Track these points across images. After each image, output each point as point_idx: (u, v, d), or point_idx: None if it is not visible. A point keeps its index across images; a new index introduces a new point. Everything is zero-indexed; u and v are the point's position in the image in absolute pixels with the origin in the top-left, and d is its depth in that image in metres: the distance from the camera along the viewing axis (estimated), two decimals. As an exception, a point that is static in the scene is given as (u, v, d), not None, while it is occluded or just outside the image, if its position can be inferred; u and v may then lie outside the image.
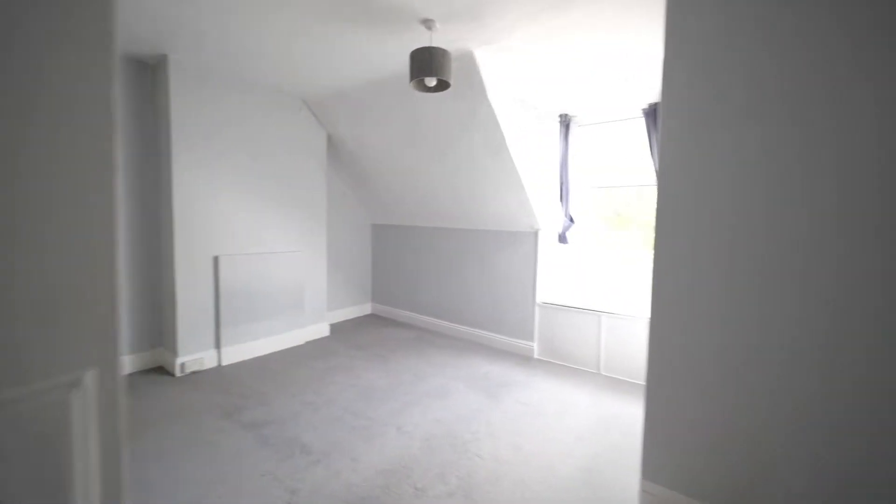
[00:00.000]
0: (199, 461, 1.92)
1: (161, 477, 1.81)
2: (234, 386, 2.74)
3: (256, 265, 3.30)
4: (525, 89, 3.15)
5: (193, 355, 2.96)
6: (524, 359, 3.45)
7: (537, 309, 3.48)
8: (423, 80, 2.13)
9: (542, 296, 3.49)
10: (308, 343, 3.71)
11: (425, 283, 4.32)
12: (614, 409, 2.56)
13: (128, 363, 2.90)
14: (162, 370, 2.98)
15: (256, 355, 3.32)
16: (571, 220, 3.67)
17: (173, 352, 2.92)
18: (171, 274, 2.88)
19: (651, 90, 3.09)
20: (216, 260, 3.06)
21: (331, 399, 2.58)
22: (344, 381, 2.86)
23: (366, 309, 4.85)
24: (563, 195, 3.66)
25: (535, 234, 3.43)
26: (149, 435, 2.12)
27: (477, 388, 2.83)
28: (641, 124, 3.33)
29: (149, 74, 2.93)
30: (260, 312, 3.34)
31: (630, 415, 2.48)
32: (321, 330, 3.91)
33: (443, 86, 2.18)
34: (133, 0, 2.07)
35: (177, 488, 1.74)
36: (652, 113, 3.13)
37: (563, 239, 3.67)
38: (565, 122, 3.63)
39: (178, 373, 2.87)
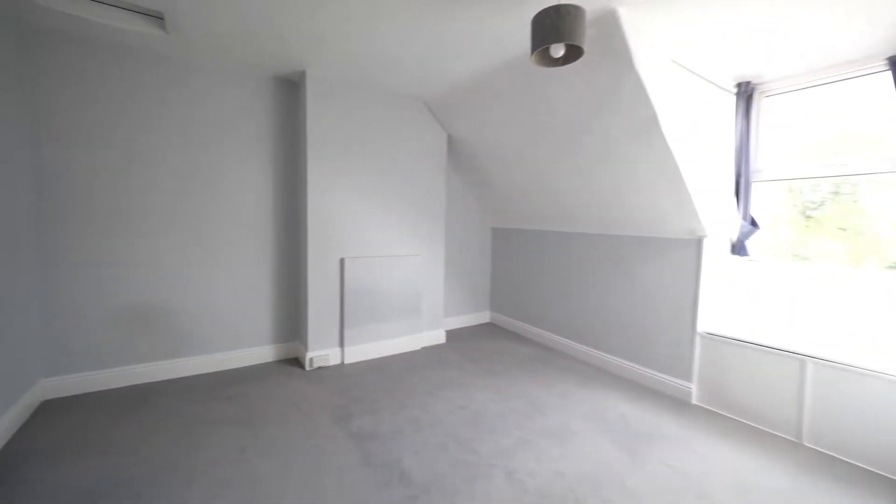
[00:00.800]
0: (305, 467, 1.92)
1: (270, 474, 1.85)
2: (350, 387, 2.79)
3: (378, 268, 3.36)
4: (686, 53, 2.41)
5: (321, 351, 3.14)
6: (676, 403, 2.68)
7: (698, 340, 2.67)
8: (547, 52, 1.72)
9: (705, 324, 2.66)
10: (424, 349, 3.64)
11: (549, 294, 3.83)
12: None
13: (271, 352, 3.24)
14: (296, 362, 3.25)
15: (375, 356, 3.37)
16: (753, 223, 2.72)
17: (305, 346, 3.14)
18: (305, 274, 3.11)
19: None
20: (342, 262, 3.20)
21: (437, 419, 2.37)
22: (453, 400, 2.63)
23: (483, 317, 4.61)
24: (742, 190, 2.74)
25: (698, 241, 2.64)
26: (270, 425, 2.24)
27: (610, 434, 2.26)
28: (880, 81, 2.24)
29: (294, 92, 3.24)
30: (380, 315, 3.39)
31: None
32: (437, 336, 3.81)
33: (572, 56, 1.73)
34: (274, 21, 2.23)
35: (284, 490, 1.74)
36: (912, 61, 2.05)
37: (740, 249, 2.75)
38: (746, 92, 2.71)
39: (307, 367, 3.08)
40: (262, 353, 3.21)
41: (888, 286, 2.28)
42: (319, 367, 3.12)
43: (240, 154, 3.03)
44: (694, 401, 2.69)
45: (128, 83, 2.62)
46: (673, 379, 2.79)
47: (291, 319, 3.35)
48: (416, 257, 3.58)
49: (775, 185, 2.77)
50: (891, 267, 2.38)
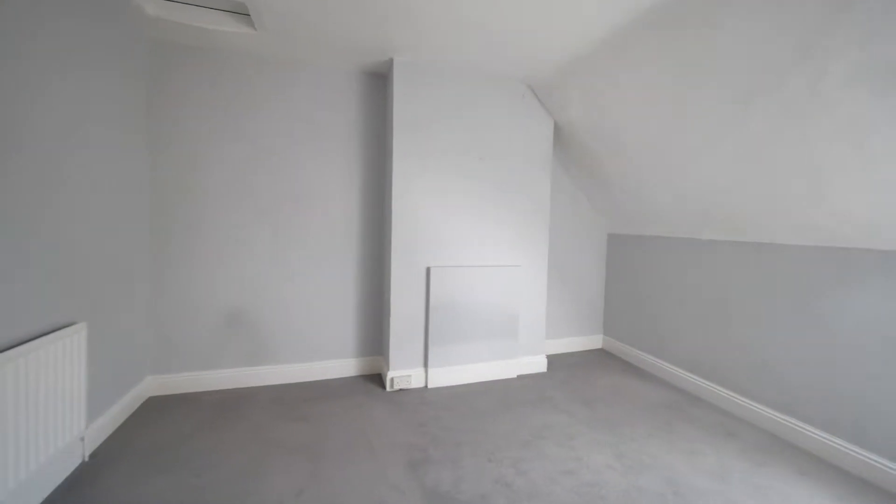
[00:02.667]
0: (368, 534, 1.54)
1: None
2: (431, 421, 2.38)
3: (468, 280, 2.91)
4: None
5: (403, 371, 2.82)
6: (931, 520, 1.67)
7: (981, 425, 1.61)
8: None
9: None
10: (520, 377, 3.08)
11: (687, 321, 2.93)
12: None
13: (355, 366, 3.04)
14: (379, 379, 2.98)
15: (463, 382, 2.93)
16: None
17: (387, 364, 2.85)
18: (389, 284, 2.82)
19: None
20: (428, 271, 2.83)
21: (535, 488, 1.81)
22: (558, 460, 2.03)
23: (595, 342, 3.83)
24: None
25: None
26: (335, 463, 1.94)
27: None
28: None
29: (383, 86, 2.98)
30: (469, 333, 2.93)
31: None
32: (537, 363, 3.21)
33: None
34: (360, 5, 1.95)
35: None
36: None
37: None
38: None
39: (388, 387, 2.78)
40: (345, 366, 3.02)
41: None
42: (400, 390, 2.79)
43: (328, 156, 2.88)
44: (967, 522, 1.64)
45: (227, 88, 2.63)
46: (920, 479, 1.76)
47: (376, 333, 3.10)
48: (514, 268, 3.03)
49: None
50: None
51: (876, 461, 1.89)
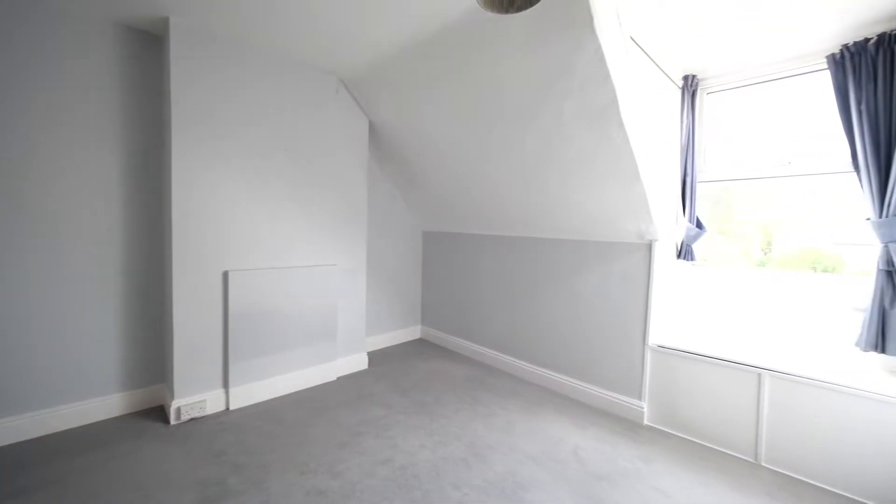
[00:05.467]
0: None
1: None
2: (232, 447, 2.05)
3: (278, 283, 2.64)
4: (643, 33, 2.14)
5: (193, 397, 2.34)
6: (628, 425, 2.40)
7: (649, 354, 2.42)
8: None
9: (656, 336, 2.42)
10: (341, 379, 2.98)
11: (487, 306, 3.42)
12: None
13: (121, 403, 2.35)
14: (162, 412, 2.40)
15: (275, 395, 2.64)
16: (699, 225, 2.56)
17: (171, 392, 2.32)
18: (169, 293, 2.30)
19: (849, 20, 1.93)
20: (225, 276, 2.43)
21: (350, 486, 1.77)
22: (375, 452, 2.04)
23: (414, 333, 4.06)
24: (688, 191, 2.57)
25: (649, 246, 2.39)
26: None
27: (566, 480, 1.86)
28: (817, 81, 2.18)
29: (157, 49, 2.41)
30: (280, 342, 2.67)
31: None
32: (358, 362, 3.18)
33: (527, 2, 1.29)
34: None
35: None
36: (853, 58, 1.97)
37: (687, 254, 2.57)
38: (691, 87, 2.55)
39: (173, 419, 2.26)
40: (110, 404, 2.31)
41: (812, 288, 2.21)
42: (191, 419, 2.31)
43: (72, 137, 2.14)
44: (646, 421, 2.43)
45: None
46: (624, 398, 2.52)
47: (155, 357, 2.48)
48: (330, 268, 2.92)
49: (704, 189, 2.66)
50: (759, 264, 2.50)
51: (604, 394, 2.61)
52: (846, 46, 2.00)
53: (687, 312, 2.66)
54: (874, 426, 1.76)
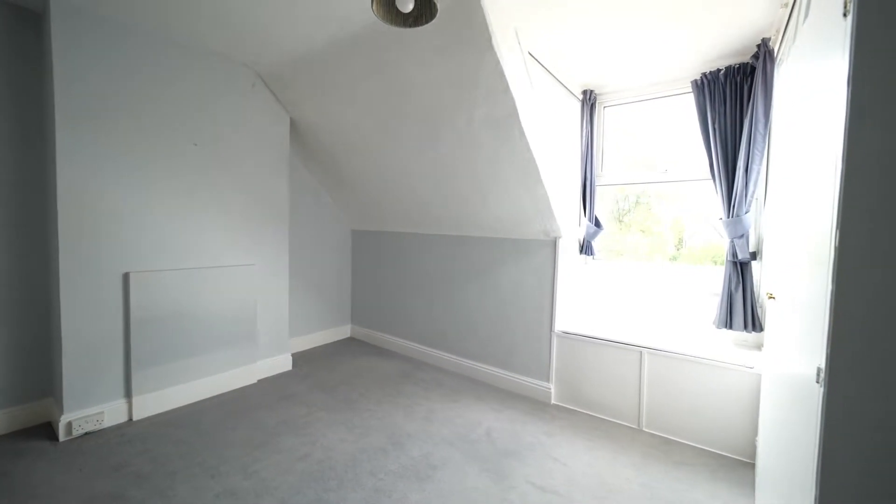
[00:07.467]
0: None
1: None
2: (133, 459, 1.94)
3: (189, 284, 2.51)
4: (542, 50, 2.37)
5: (88, 409, 2.16)
6: (538, 405, 2.64)
7: (555, 340, 2.68)
8: (393, 5, 1.35)
9: (561, 323, 2.69)
10: (262, 381, 2.91)
11: (412, 302, 3.53)
12: (682, 498, 1.75)
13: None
14: (49, 429, 2.18)
15: (186, 402, 2.52)
16: (598, 224, 2.88)
17: (59, 406, 2.12)
18: (56, 298, 2.10)
19: (707, 54, 2.32)
20: (126, 278, 2.27)
21: (264, 486, 1.77)
22: (291, 450, 2.05)
23: (344, 332, 4.05)
24: (588, 193, 2.87)
25: (553, 242, 2.64)
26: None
27: (476, 457, 2.02)
28: (681, 102, 2.57)
29: (34, 26, 2.17)
30: (192, 347, 2.54)
31: (704, 514, 1.68)
32: (281, 363, 3.11)
33: (424, 17, 1.40)
34: None
35: None
36: (709, 84, 2.35)
37: (587, 249, 2.88)
38: (590, 100, 2.86)
39: (62, 436, 2.07)
40: (-23, 425, 2.05)
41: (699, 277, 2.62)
42: (86, 434, 2.13)
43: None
44: (553, 401, 2.69)
45: None
46: (534, 381, 2.76)
47: (40, 369, 2.24)
48: (248, 267, 2.83)
49: (605, 191, 3.00)
50: (671, 259, 2.88)
51: (518, 378, 2.83)
52: (705, 74, 2.38)
53: (586, 301, 2.97)
54: (724, 389, 2.13)
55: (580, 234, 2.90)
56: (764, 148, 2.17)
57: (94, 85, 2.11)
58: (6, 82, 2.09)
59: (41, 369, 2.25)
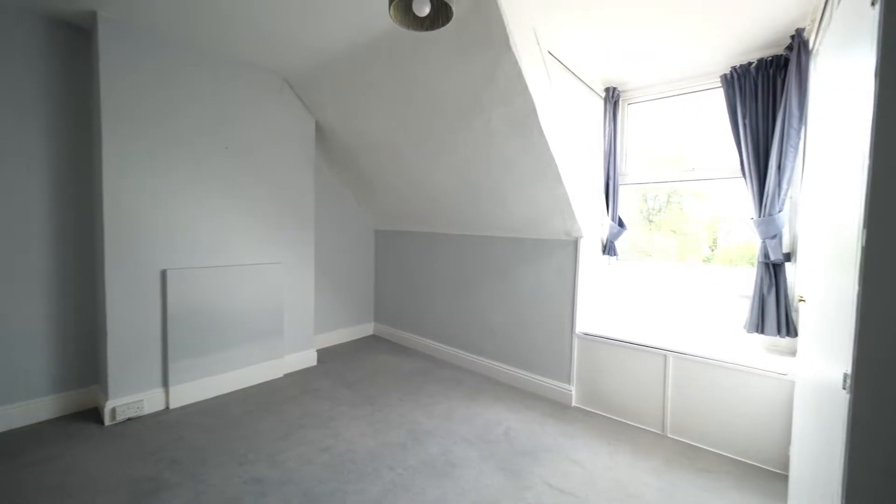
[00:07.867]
0: None
1: None
2: (169, 444, 2.06)
3: (220, 281, 2.65)
4: (562, 49, 2.35)
5: (130, 397, 2.32)
6: (558, 407, 2.62)
7: (576, 341, 2.65)
8: (410, 9, 1.38)
9: (582, 325, 2.65)
10: (288, 376, 3.02)
11: (436, 301, 3.56)
12: (701, 510, 1.70)
13: (51, 406, 2.29)
14: (96, 414, 2.35)
15: (217, 394, 2.65)
16: (621, 224, 2.82)
17: (105, 393, 2.28)
18: (104, 295, 2.26)
19: (737, 46, 2.23)
20: (164, 275, 2.42)
21: (289, 476, 1.85)
22: (315, 443, 2.12)
23: (367, 330, 4.14)
24: (611, 193, 2.82)
25: (575, 243, 2.61)
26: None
27: (493, 457, 2.03)
28: (711, 98, 2.48)
29: (85, 43, 2.35)
30: (224, 340, 2.68)
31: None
32: (306, 359, 3.22)
33: (441, 20, 1.43)
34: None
35: None
36: (740, 79, 2.26)
37: (610, 249, 2.83)
38: (613, 97, 2.81)
39: (108, 420, 2.23)
40: (38, 408, 2.24)
41: (730, 279, 2.53)
42: (128, 420, 2.29)
43: (-16, 121, 2.06)
44: (574, 403, 2.66)
45: None
46: (555, 382, 2.74)
47: (87, 358, 2.42)
48: (275, 265, 2.95)
49: (631, 190, 2.93)
50: (705, 261, 2.77)
51: (538, 379, 2.82)
52: (735, 68, 2.29)
53: (609, 302, 2.92)
54: (755, 396, 2.05)
55: (603, 235, 2.86)
56: (798, 144, 2.07)
57: (135, 95, 2.27)
58: (64, 93, 2.27)
59: (89, 358, 2.43)
